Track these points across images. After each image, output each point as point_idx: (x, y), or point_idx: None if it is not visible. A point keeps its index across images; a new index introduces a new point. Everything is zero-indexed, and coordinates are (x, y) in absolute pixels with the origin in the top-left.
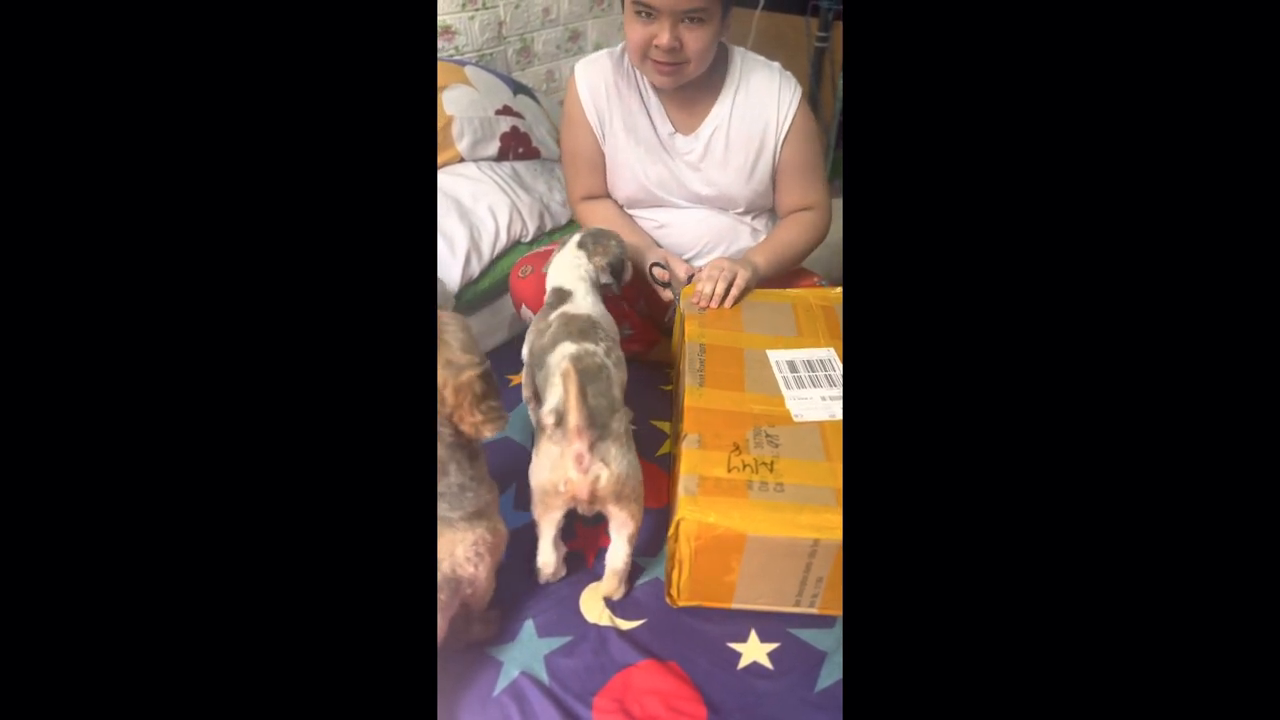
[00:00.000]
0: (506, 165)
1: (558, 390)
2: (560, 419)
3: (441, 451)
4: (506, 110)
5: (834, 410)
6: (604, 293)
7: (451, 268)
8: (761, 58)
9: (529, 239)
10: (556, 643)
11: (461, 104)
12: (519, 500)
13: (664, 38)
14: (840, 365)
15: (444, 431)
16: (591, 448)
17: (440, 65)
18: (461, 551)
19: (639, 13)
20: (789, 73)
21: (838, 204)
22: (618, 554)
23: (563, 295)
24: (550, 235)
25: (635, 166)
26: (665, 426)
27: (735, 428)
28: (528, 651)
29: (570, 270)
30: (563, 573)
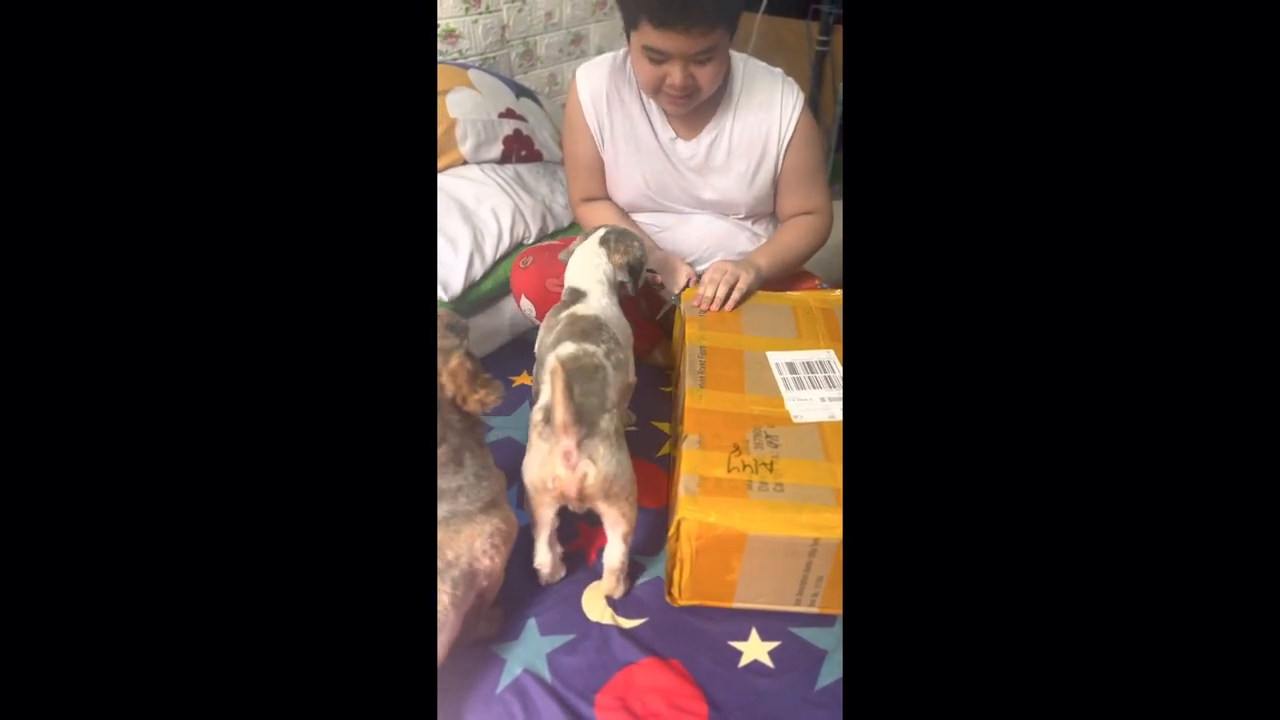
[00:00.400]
0: (509, 168)
1: (548, 388)
2: (548, 415)
3: (454, 441)
4: (509, 113)
5: (833, 411)
6: (620, 293)
7: (454, 269)
8: (763, 64)
9: (531, 241)
10: (559, 641)
11: (465, 107)
12: (521, 499)
13: (677, 78)
14: (839, 367)
15: (452, 419)
16: (579, 445)
17: (444, 69)
18: (479, 545)
19: (649, 57)
20: (790, 78)
21: (837, 206)
22: (614, 553)
23: (577, 295)
24: (552, 237)
25: (636, 172)
26: (666, 428)
27: (735, 428)
28: (530, 649)
29: (589, 269)
30: (562, 572)
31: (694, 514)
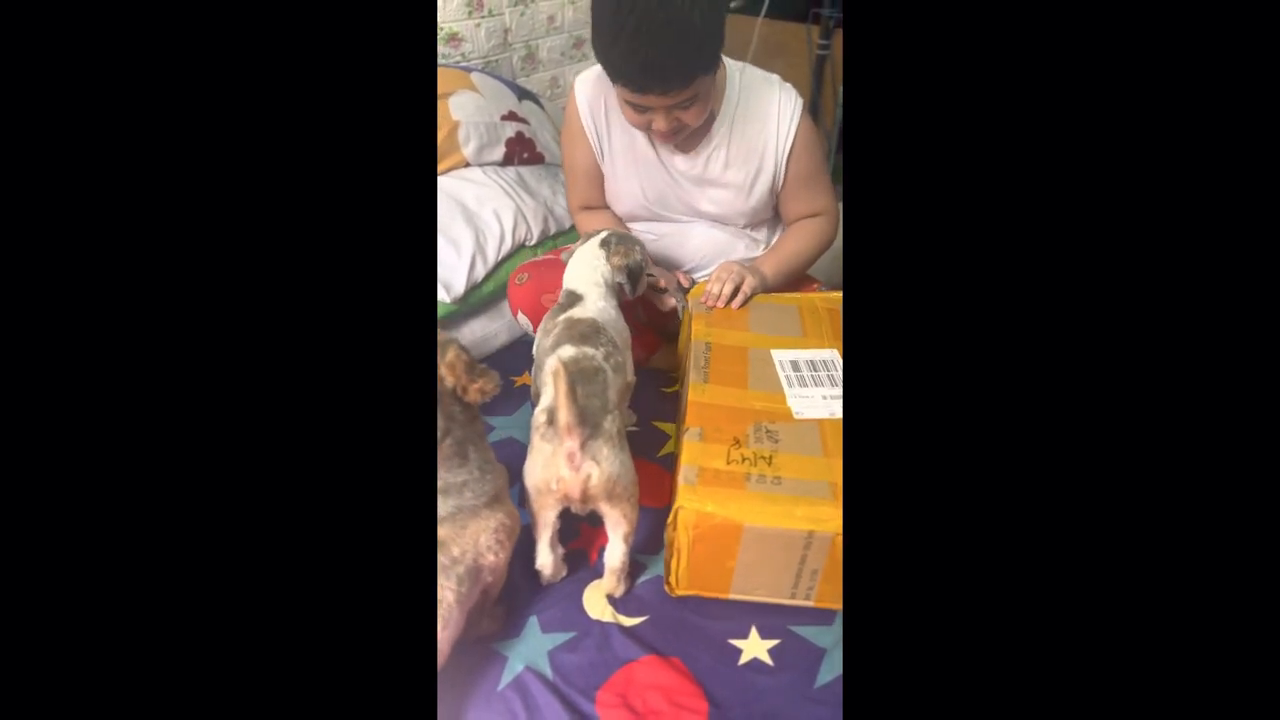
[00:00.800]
0: (511, 170)
1: (550, 390)
2: (551, 417)
3: (458, 433)
4: (512, 116)
5: (834, 409)
6: (619, 296)
7: (457, 270)
8: (760, 71)
9: (533, 243)
10: (560, 638)
11: (467, 109)
12: (522, 499)
13: (661, 125)
14: (842, 366)
15: (454, 410)
16: (583, 446)
17: (447, 72)
18: (484, 540)
19: (633, 107)
20: (789, 85)
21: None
22: (615, 553)
23: (573, 298)
24: (554, 239)
25: (634, 185)
26: (667, 428)
27: (736, 423)
28: (532, 647)
29: (586, 272)
30: (563, 573)
31: (692, 503)
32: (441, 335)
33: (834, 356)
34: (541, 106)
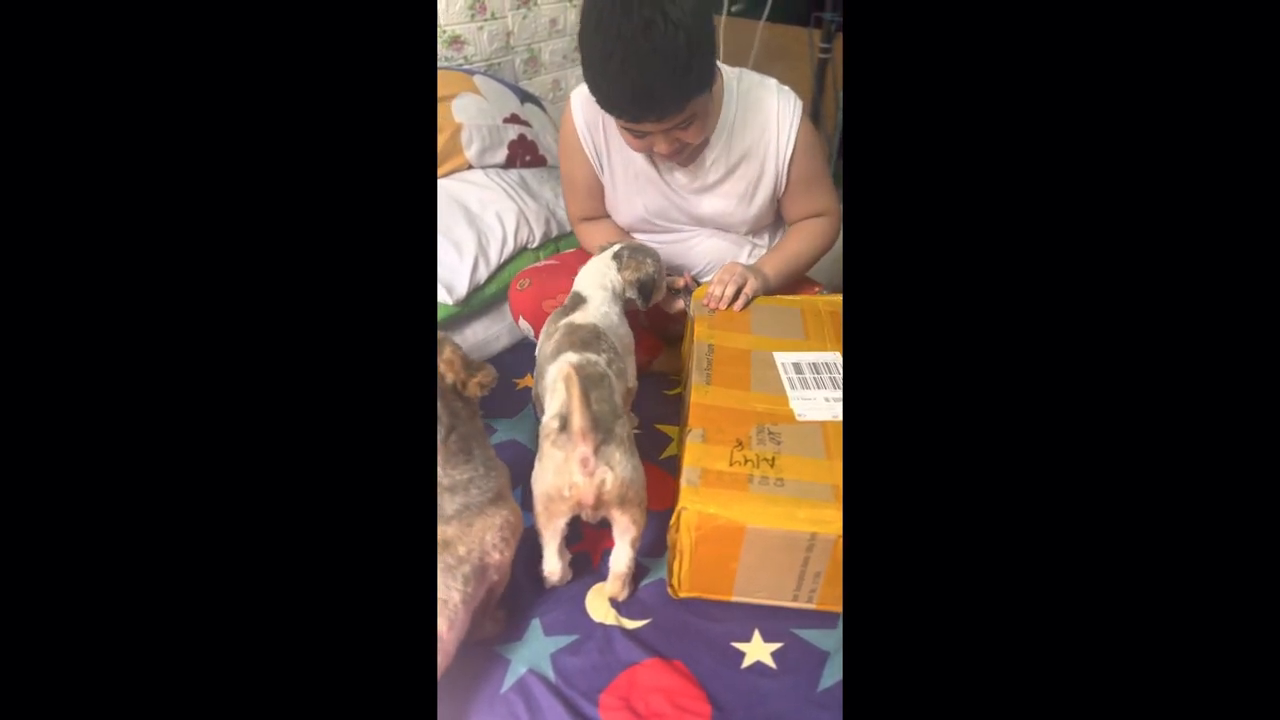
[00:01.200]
0: (514, 172)
1: (559, 397)
2: (564, 423)
3: (463, 429)
4: (514, 118)
5: (836, 411)
6: (626, 306)
7: (459, 272)
8: (758, 76)
9: (535, 245)
10: (563, 641)
11: (470, 112)
12: (525, 502)
13: (663, 147)
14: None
15: (456, 406)
16: (596, 451)
17: (450, 74)
18: (490, 538)
19: (631, 132)
20: (786, 88)
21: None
22: (621, 558)
23: (578, 300)
24: (556, 241)
25: (635, 202)
26: (669, 430)
27: (739, 425)
28: (535, 650)
29: (595, 277)
30: (569, 577)
31: (695, 505)
32: (437, 334)
33: (836, 359)
34: (544, 109)
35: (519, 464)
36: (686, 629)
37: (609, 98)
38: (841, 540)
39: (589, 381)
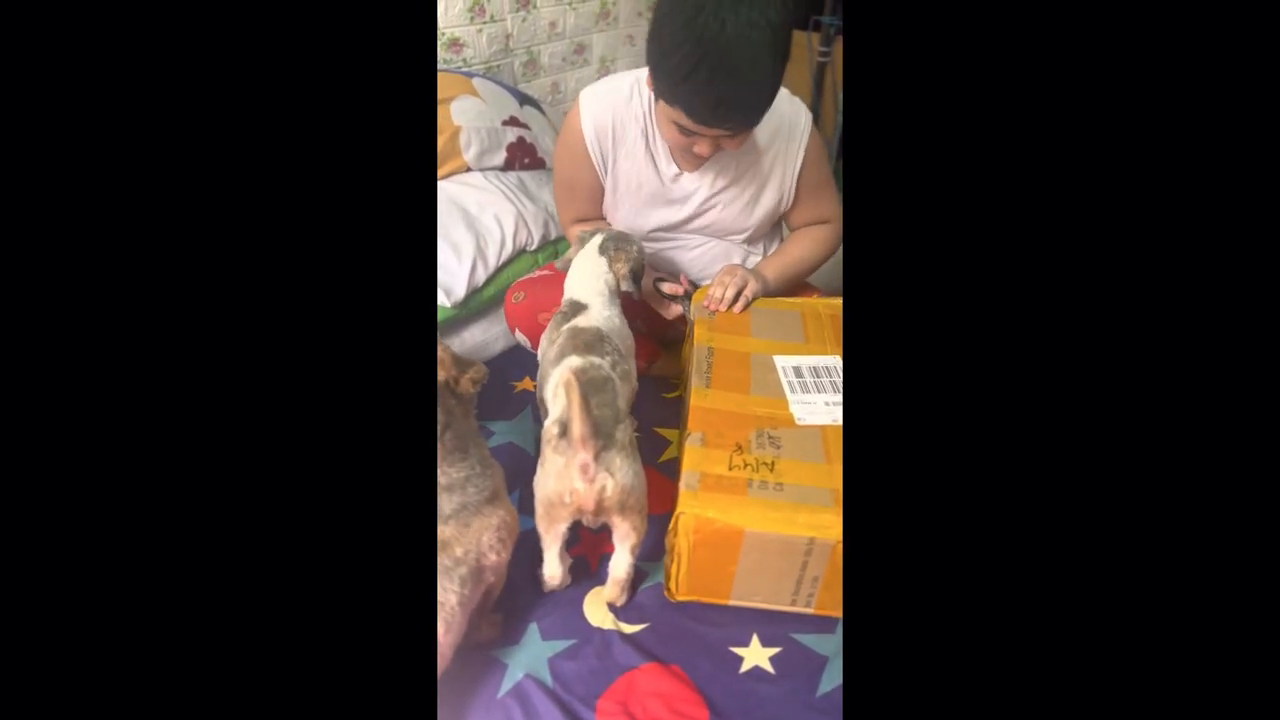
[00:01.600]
0: (512, 175)
1: (561, 401)
2: (564, 429)
3: (458, 428)
4: (513, 121)
5: (836, 415)
6: (623, 300)
7: (458, 275)
8: None
9: (534, 247)
10: (560, 646)
11: (469, 114)
12: (524, 505)
13: (705, 150)
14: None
15: (451, 404)
16: (596, 457)
17: (449, 77)
18: (487, 539)
19: (679, 129)
20: (797, 99)
21: None
22: (620, 563)
23: (577, 308)
24: (555, 244)
25: (637, 212)
26: (668, 434)
27: (739, 428)
28: (532, 654)
29: (589, 280)
30: (568, 582)
31: (693, 509)
32: None
33: (836, 363)
34: (543, 112)
35: (516, 467)
36: (684, 634)
37: (687, 101)
38: (840, 545)
39: (591, 386)
